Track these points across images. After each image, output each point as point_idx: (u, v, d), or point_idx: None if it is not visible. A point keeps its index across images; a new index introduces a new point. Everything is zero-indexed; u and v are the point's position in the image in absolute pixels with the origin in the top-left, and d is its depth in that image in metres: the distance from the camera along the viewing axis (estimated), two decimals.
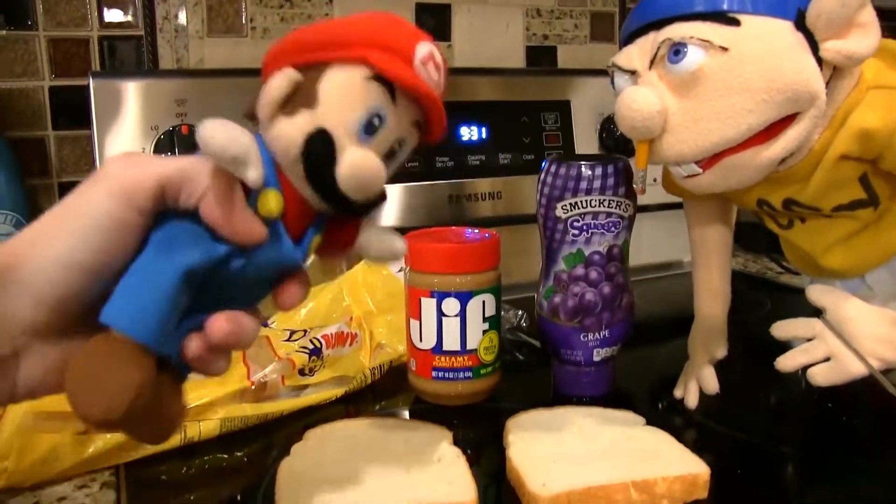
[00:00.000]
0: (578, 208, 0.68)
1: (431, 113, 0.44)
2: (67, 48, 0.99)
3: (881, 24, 1.40)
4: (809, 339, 0.59)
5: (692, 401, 0.69)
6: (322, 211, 0.44)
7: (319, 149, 0.41)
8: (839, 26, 0.51)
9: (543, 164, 0.70)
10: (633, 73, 0.56)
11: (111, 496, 0.57)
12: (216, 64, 1.06)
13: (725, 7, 0.52)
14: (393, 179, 1.03)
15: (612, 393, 0.73)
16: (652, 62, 0.55)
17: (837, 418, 0.66)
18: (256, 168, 0.39)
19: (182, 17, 1.04)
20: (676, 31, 0.53)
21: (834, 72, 0.53)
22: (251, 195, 0.41)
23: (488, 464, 0.60)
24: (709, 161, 0.54)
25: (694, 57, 0.52)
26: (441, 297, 0.68)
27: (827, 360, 0.57)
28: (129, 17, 1.02)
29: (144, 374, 0.37)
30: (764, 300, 1.03)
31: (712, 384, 0.69)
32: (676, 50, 0.52)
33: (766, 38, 0.51)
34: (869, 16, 0.51)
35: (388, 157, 0.44)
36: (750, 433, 0.65)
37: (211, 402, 0.64)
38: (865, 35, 0.51)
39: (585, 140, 1.15)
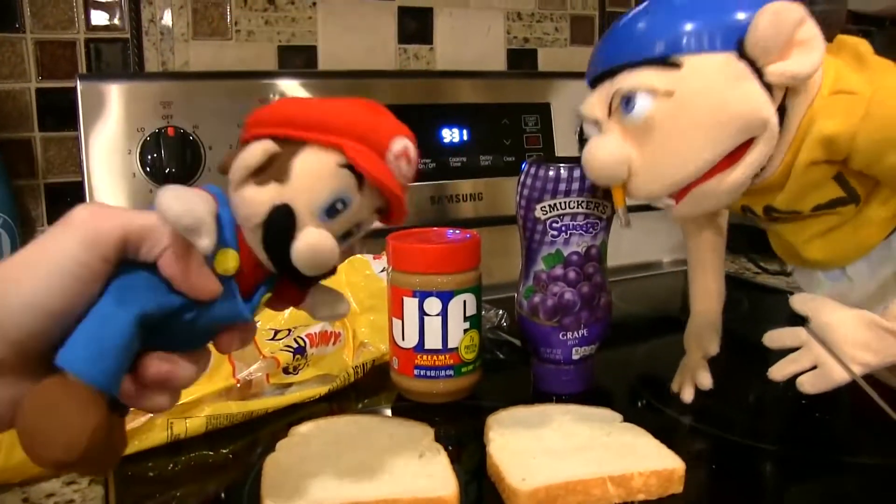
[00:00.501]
0: (557, 209, 0.69)
1: (394, 204, 0.46)
2: (54, 50, 1.00)
3: (854, 28, 1.41)
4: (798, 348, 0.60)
5: (687, 395, 0.71)
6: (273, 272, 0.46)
7: (280, 223, 0.43)
8: (778, 50, 0.52)
9: (523, 166, 0.72)
10: (596, 121, 0.58)
11: (99, 492, 0.58)
12: (201, 66, 1.07)
13: (666, 52, 0.53)
14: None
15: (590, 390, 0.74)
16: (610, 111, 0.57)
17: (812, 415, 0.68)
18: (209, 237, 0.40)
19: (167, 20, 1.05)
20: (624, 81, 0.55)
21: (789, 88, 0.54)
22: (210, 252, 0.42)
23: (469, 460, 0.61)
24: (679, 193, 0.56)
25: (643, 105, 0.54)
26: (423, 296, 0.69)
27: (814, 367, 0.58)
28: (116, 20, 1.02)
29: (100, 415, 0.38)
30: (742, 299, 1.04)
31: (706, 380, 0.71)
32: (627, 100, 0.54)
33: (707, 76, 0.53)
34: (808, 32, 0.52)
35: (344, 236, 0.46)
36: (725, 429, 0.66)
37: (197, 400, 0.65)
38: (808, 52, 0.52)
39: (565, 142, 1.16)
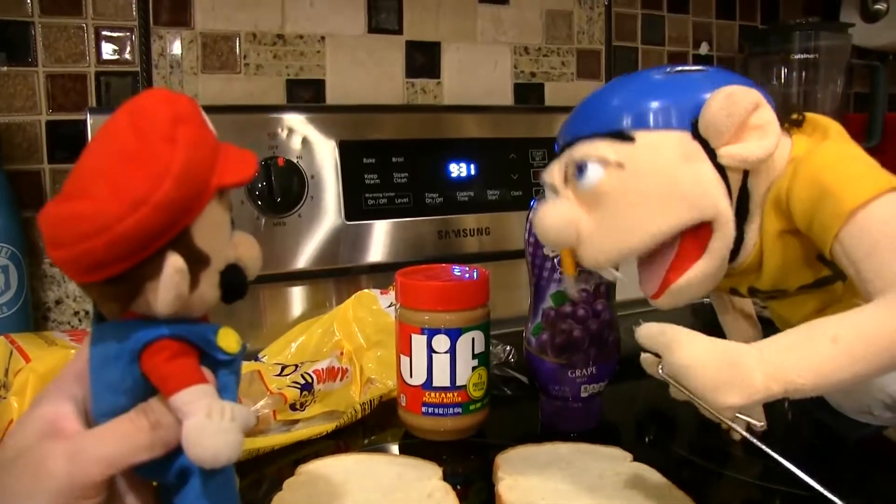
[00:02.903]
0: None
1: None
2: (65, 83, 1.00)
3: (859, 63, 1.42)
4: None
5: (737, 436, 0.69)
6: None
7: (236, 282, 0.42)
8: (731, 133, 0.52)
9: (532, 203, 0.72)
10: (554, 188, 0.59)
11: None
12: (210, 100, 1.08)
13: (620, 126, 0.55)
14: (383, 215, 1.05)
15: (598, 428, 0.74)
16: (566, 179, 0.57)
17: (822, 453, 0.67)
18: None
19: (177, 54, 1.06)
20: (579, 150, 0.56)
21: (750, 170, 0.55)
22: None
23: (477, 498, 0.61)
24: (658, 291, 0.57)
25: (594, 174, 0.54)
26: (431, 333, 0.69)
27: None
28: (126, 54, 1.03)
29: None
30: None
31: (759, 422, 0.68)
32: (580, 168, 0.55)
33: (660, 151, 0.53)
34: (763, 118, 0.52)
35: None
36: (735, 468, 0.66)
37: None
38: (762, 137, 0.53)
39: None
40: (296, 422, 0.72)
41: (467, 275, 0.73)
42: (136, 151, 0.37)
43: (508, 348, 0.91)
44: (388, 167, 1.05)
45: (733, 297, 0.72)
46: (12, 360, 0.61)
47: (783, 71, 1.39)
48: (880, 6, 1.47)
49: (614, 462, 0.63)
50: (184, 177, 0.37)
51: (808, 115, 0.58)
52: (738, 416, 0.49)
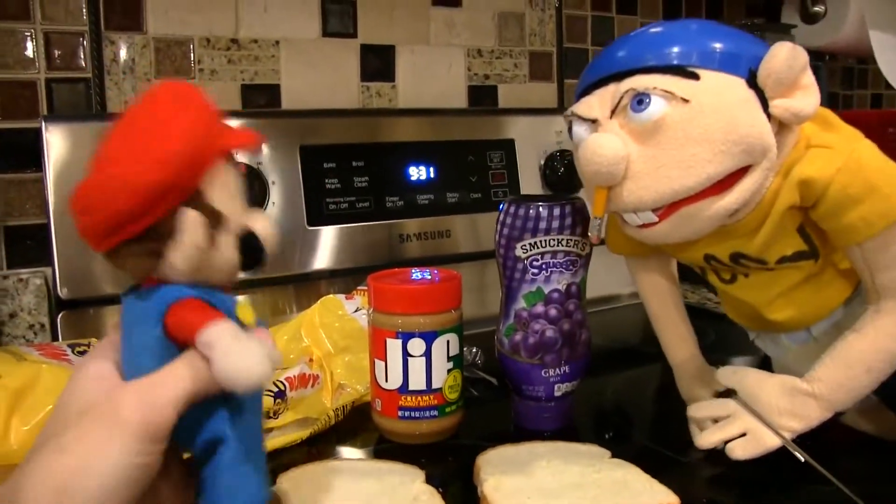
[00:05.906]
0: (537, 248, 0.70)
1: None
2: (13, 91, 0.98)
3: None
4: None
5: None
6: None
7: (252, 247, 0.44)
8: (786, 86, 0.55)
9: (501, 206, 0.72)
10: (593, 121, 0.58)
11: None
12: None
13: (685, 62, 0.56)
14: (344, 220, 1.04)
15: (571, 426, 0.75)
16: (613, 111, 0.57)
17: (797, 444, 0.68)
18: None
19: (130, 59, 1.04)
20: (640, 81, 0.56)
21: (779, 128, 0.57)
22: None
23: (461, 500, 0.61)
24: (666, 210, 0.57)
25: (657, 107, 0.55)
26: (406, 337, 0.68)
27: (742, 435, 0.62)
28: (78, 60, 1.01)
29: None
30: (707, 330, 1.05)
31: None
32: (640, 100, 0.55)
33: (723, 92, 0.55)
34: (810, 79, 0.55)
35: None
36: (713, 462, 0.66)
37: None
38: (809, 95, 0.55)
39: (530, 177, 1.17)
40: (269, 430, 0.71)
41: (440, 277, 0.73)
42: (147, 124, 0.41)
43: (475, 350, 0.91)
44: (349, 172, 1.05)
45: (671, 298, 0.76)
46: None
47: None
48: (818, 8, 1.51)
49: (594, 459, 0.63)
50: (191, 134, 0.41)
51: None
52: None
